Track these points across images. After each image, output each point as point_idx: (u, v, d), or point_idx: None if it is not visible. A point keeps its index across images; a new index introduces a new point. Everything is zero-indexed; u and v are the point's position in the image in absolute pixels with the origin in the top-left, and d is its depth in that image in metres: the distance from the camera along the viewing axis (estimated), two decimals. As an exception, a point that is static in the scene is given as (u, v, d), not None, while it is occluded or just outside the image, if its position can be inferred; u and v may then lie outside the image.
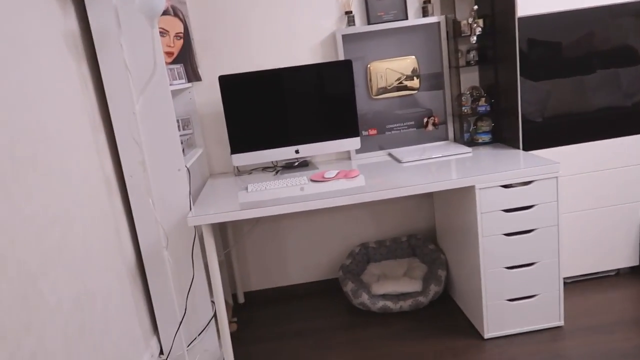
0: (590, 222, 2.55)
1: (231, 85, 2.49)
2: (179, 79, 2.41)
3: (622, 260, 2.62)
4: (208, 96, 2.70)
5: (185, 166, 2.13)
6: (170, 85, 2.22)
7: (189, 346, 2.28)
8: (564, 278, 2.66)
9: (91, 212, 1.80)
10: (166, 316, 2.25)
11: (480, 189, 2.09)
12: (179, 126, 2.64)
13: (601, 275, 2.69)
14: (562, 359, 2.06)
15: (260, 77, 2.50)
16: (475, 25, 2.49)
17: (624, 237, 2.58)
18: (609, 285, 2.58)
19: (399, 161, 2.54)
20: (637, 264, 2.64)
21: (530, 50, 2.33)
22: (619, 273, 2.69)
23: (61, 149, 1.64)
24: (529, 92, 2.38)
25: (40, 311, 1.37)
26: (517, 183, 2.12)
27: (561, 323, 2.28)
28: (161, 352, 2.31)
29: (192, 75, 2.57)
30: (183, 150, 2.35)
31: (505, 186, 2.11)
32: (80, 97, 1.86)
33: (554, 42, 2.33)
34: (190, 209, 2.14)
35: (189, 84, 2.56)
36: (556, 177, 2.11)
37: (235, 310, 2.89)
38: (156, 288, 2.21)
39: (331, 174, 2.38)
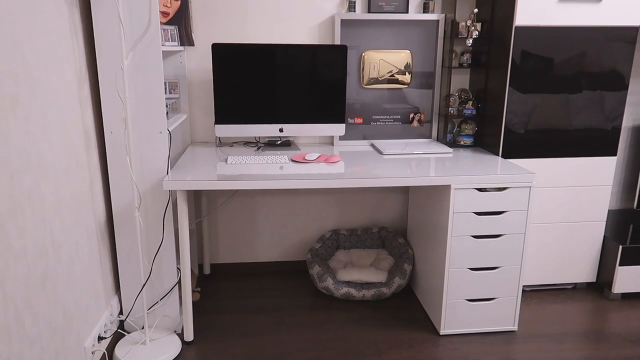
0: (555, 235, 2.63)
1: (224, 54, 2.47)
2: (172, 40, 2.37)
3: (580, 275, 2.72)
4: (199, 63, 2.66)
5: (167, 129, 2.11)
6: (162, 45, 2.18)
7: (150, 309, 2.28)
8: (524, 286, 2.75)
9: (67, 162, 1.77)
10: (130, 277, 2.24)
11: (455, 189, 2.13)
12: (165, 89, 2.60)
13: (559, 287, 2.78)
14: (512, 361, 2.14)
15: (254, 50, 2.48)
16: (473, 28, 2.51)
17: (585, 253, 2.67)
18: (565, 298, 2.68)
19: (380, 152, 2.56)
20: (594, 280, 2.73)
21: (523, 62, 2.37)
22: (576, 287, 2.79)
23: (43, 94, 1.60)
24: (516, 103, 2.42)
25: (4, 254, 1.35)
26: (492, 188, 2.17)
27: (515, 328, 2.36)
28: (121, 312, 2.31)
29: (186, 39, 2.53)
30: (167, 113, 2.32)
31: (480, 189, 2.16)
32: (69, 44, 1.81)
33: (546, 57, 2.38)
34: (167, 173, 2.12)
35: (181, 48, 2.52)
36: (530, 186, 2.17)
37: (200, 280, 2.89)
38: (123, 248, 2.20)
39: (312, 156, 2.39)
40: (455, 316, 2.31)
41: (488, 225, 2.20)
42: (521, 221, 2.21)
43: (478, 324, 2.33)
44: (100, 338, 2.05)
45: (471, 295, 2.29)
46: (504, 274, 2.27)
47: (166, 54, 2.55)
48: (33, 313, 1.50)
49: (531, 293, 2.73)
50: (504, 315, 2.33)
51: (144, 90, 2.03)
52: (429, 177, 2.11)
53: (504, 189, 2.17)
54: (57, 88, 1.71)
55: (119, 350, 2.15)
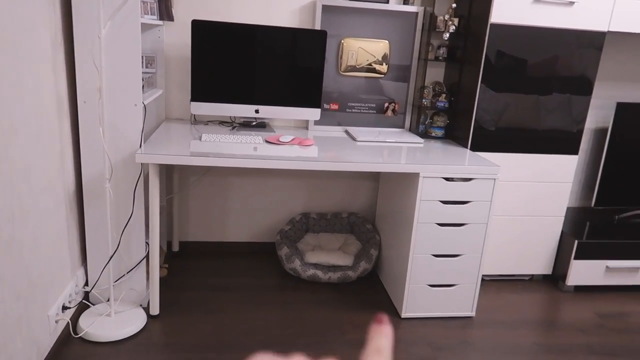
0: (516, 228, 2.74)
1: (203, 31, 2.46)
2: (151, 14, 2.35)
3: (537, 267, 2.84)
4: (177, 39, 2.64)
5: (143, 102, 2.10)
6: (141, 18, 2.17)
7: (116, 282, 2.28)
8: (484, 275, 2.85)
9: (37, 129, 1.75)
10: (97, 249, 2.23)
11: (424, 177, 2.20)
12: (142, 63, 2.58)
13: (517, 278, 2.90)
14: (468, 345, 2.23)
15: (234, 29, 2.48)
16: (450, 22, 2.57)
17: (543, 247, 2.79)
18: (522, 288, 2.80)
19: (354, 139, 2.61)
20: (550, 273, 2.86)
21: (496, 60, 2.44)
22: (532, 278, 2.91)
23: (16, 57, 1.58)
24: (486, 100, 2.50)
25: (-29, 215, 1.34)
26: (459, 178, 2.25)
27: (473, 314, 2.46)
28: (86, 284, 2.30)
29: (165, 13, 2.51)
30: (143, 87, 2.30)
31: (447, 179, 2.23)
32: (45, 9, 1.79)
33: (519, 57, 2.46)
34: (140, 146, 2.12)
35: (160, 22, 2.51)
36: (494, 178, 2.25)
37: (169, 257, 2.90)
38: (92, 219, 2.19)
39: (286, 138, 2.42)
40: (417, 300, 2.39)
41: (453, 214, 2.28)
42: (484, 212, 2.30)
43: (438, 309, 2.42)
44: (64, 308, 2.05)
45: (433, 281, 2.37)
46: (465, 262, 2.36)
47: (144, 27, 2.52)
48: (-2, 276, 1.49)
49: (490, 282, 2.84)
50: (462, 302, 2.43)
51: (120, 61, 2.02)
52: (400, 165, 2.17)
53: (470, 179, 2.25)
54: (31, 52, 1.69)
55: (83, 320, 2.15)
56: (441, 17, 2.59)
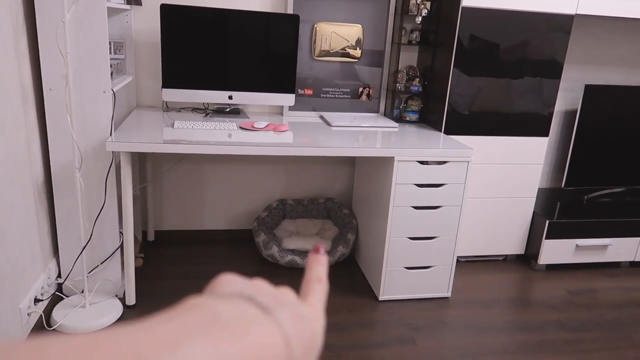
0: (490, 210, 2.78)
1: (173, 16, 2.40)
2: (118, -2, 2.29)
3: (510, 247, 2.90)
4: (146, 24, 2.58)
5: (112, 89, 2.05)
6: (108, 2, 2.10)
7: (90, 273, 2.24)
8: (459, 256, 2.90)
9: (1, 117, 1.69)
10: (69, 240, 2.19)
11: (399, 161, 2.21)
12: (110, 49, 2.51)
13: (491, 258, 2.96)
14: (443, 324, 2.28)
15: (204, 13, 2.43)
16: (422, 6, 2.57)
17: (515, 227, 2.85)
18: (496, 268, 2.86)
19: (328, 124, 2.60)
20: (522, 252, 2.93)
21: (468, 44, 2.46)
22: (506, 258, 2.98)
23: (-24, 43, 1.52)
24: (459, 84, 2.52)
25: None
26: (433, 161, 2.27)
27: (448, 295, 2.50)
28: (59, 275, 2.26)
29: (132, -3, 2.44)
30: (112, 74, 2.25)
31: (422, 162, 2.25)
32: (5, -8, 1.72)
33: (490, 40, 2.48)
34: (111, 134, 2.07)
35: (127, 6, 2.44)
36: (468, 161, 2.28)
37: (144, 247, 2.86)
38: (62, 210, 2.14)
39: (261, 124, 2.40)
40: (394, 283, 2.42)
41: (428, 196, 2.31)
42: (458, 194, 2.33)
43: (415, 291, 2.46)
44: (36, 300, 2.01)
45: (409, 264, 2.40)
46: (440, 244, 2.40)
47: (111, 12, 2.45)
48: (-36, 270, 1.45)
49: (465, 263, 2.89)
50: (438, 283, 2.47)
51: (86, 47, 1.96)
52: (375, 149, 2.17)
53: (444, 162, 2.27)
54: (-8, 38, 1.62)
55: (57, 312, 2.11)
56: (413, 1, 2.59)
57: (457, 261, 2.91)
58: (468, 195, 2.73)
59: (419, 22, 2.62)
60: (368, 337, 2.14)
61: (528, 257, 2.94)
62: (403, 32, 2.71)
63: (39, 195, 2.04)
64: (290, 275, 2.63)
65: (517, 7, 2.44)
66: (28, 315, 1.93)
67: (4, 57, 1.71)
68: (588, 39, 3.01)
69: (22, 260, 1.87)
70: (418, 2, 2.57)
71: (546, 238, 2.77)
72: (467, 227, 2.79)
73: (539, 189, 3.22)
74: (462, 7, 2.39)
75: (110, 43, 2.50)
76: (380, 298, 2.43)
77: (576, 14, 2.51)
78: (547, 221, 2.74)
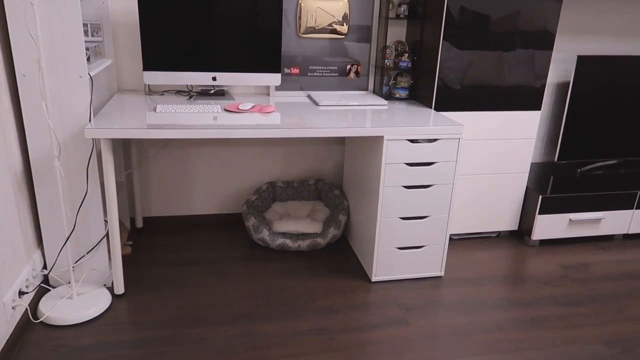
0: (482, 187, 2.75)
1: (150, -5, 2.31)
2: (92, -23, 2.19)
3: (504, 224, 2.88)
4: (124, 3, 2.48)
5: (89, 74, 1.97)
6: (80, -18, 2.01)
7: (76, 263, 2.20)
8: (451, 234, 2.88)
9: (-29, 106, 1.62)
10: (53, 230, 2.13)
11: (388, 140, 2.16)
12: (87, 31, 2.42)
13: (484, 235, 2.93)
14: (437, 303, 2.26)
15: (183, -8, 2.34)
16: (409, -22, 2.48)
17: (509, 203, 2.82)
18: (489, 245, 2.84)
19: (316, 104, 2.54)
20: (516, 228, 2.91)
21: (457, 16, 2.38)
22: (499, 235, 2.95)
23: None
24: (449, 58, 2.45)
25: None
26: (423, 140, 2.22)
27: (442, 274, 2.48)
28: (45, 267, 2.21)
29: (107, -24, 2.34)
30: (89, 58, 2.16)
31: (412, 141, 2.20)
32: (-33, -27, 1.63)
33: (479, 13, 2.40)
34: (90, 120, 2.00)
35: (103, -14, 2.34)
36: (459, 138, 2.23)
37: (133, 234, 2.81)
38: (44, 200, 2.08)
39: (246, 106, 2.33)
40: (386, 263, 2.39)
41: (419, 175, 2.26)
42: (450, 172, 2.28)
43: (407, 271, 2.43)
44: (21, 293, 1.96)
45: (402, 244, 2.37)
46: (432, 223, 2.36)
47: (86, -8, 2.35)
48: (-62, 266, 1.40)
49: (459, 241, 2.87)
50: (431, 262, 2.44)
51: (59, 30, 1.87)
52: (363, 128, 2.12)
53: (435, 140, 2.22)
54: (-45, 22, 1.54)
55: (43, 305, 2.07)
56: (401, -27, 2.50)
57: (450, 239, 2.88)
58: (460, 173, 2.69)
59: (406, -5, 2.53)
60: (361, 319, 2.12)
61: (522, 233, 2.92)
62: (390, 5, 2.62)
63: (18, 186, 1.98)
64: (281, 259, 2.60)
65: (507, -24, 2.36)
66: (13, 308, 1.88)
67: (-29, 42, 1.63)
68: (580, 8, 2.93)
69: (2, 253, 1.82)
70: (405, -26, 2.49)
71: (539, 213, 2.74)
72: (460, 204, 2.76)
73: (532, 164, 3.19)
74: (451, -22, 2.30)
75: (86, 25, 2.40)
76: (373, 279, 2.41)
77: (568, -17, 2.43)
78: (540, 196, 2.71)
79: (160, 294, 2.25)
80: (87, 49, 2.15)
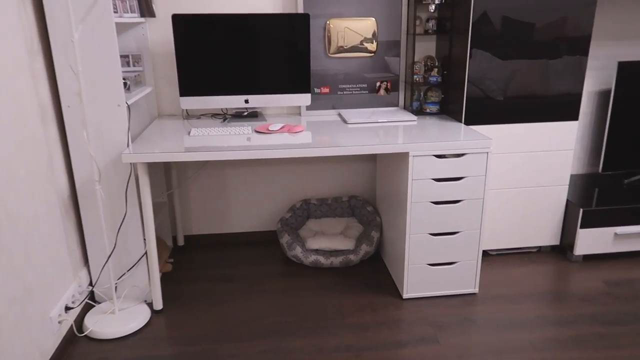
0: (519, 200, 2.67)
1: (184, 25, 2.45)
2: (131, 12, 2.35)
3: (544, 238, 2.78)
4: (162, 34, 2.64)
5: (126, 102, 2.11)
6: (120, 17, 2.17)
7: (118, 280, 2.32)
8: (489, 250, 2.81)
9: (17, 136, 1.78)
10: (97, 249, 2.27)
11: (413, 156, 2.16)
12: (128, 62, 2.59)
13: (524, 250, 2.84)
14: (469, 322, 2.21)
15: (215, 20, 2.46)
16: (435, -6, 2.49)
17: (548, 217, 2.72)
18: (529, 261, 2.74)
19: (345, 122, 2.58)
20: (557, 243, 2.80)
21: (483, 27, 2.36)
22: (540, 250, 2.85)
23: (-12, 69, 1.60)
24: (476, 69, 2.43)
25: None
26: (450, 154, 2.20)
27: (475, 290, 2.43)
28: (91, 283, 2.36)
29: (146, 10, 2.50)
30: (128, 86, 2.32)
31: (438, 156, 2.19)
32: (16, 17, 1.80)
33: (506, 22, 2.37)
34: (128, 146, 2.14)
35: (142, 19, 2.50)
36: (487, 152, 2.19)
37: (174, 252, 2.94)
38: (89, 221, 2.23)
39: (276, 126, 2.41)
40: (418, 280, 2.37)
41: (447, 191, 2.24)
42: (479, 187, 2.25)
43: (440, 288, 2.40)
44: (68, 308, 2.10)
45: (432, 260, 2.34)
46: (464, 239, 2.33)
47: (126, 26, 2.52)
48: (-13, 284, 1.54)
49: (496, 257, 2.79)
50: (464, 279, 2.40)
51: (98, 62, 2.02)
52: (387, 145, 2.13)
53: (462, 155, 2.20)
54: (3, 62, 1.70)
55: (88, 319, 2.21)
56: (426, -11, 2.51)
57: (487, 255, 2.81)
58: (494, 187, 2.63)
59: (432, 11, 2.54)
60: (390, 337, 2.11)
61: (564, 248, 2.80)
62: (418, 21, 2.64)
63: (65, 208, 2.13)
64: (314, 276, 2.63)
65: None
66: (59, 323, 2.02)
67: (20, 77, 1.80)
68: (618, 13, 2.82)
69: (49, 270, 1.96)
70: (430, -9, 2.50)
71: (581, 227, 2.63)
72: (496, 219, 2.69)
73: (574, 176, 3.07)
74: (475, -8, 2.29)
75: (128, 56, 2.57)
76: (405, 296, 2.39)
77: (600, -11, 2.36)
78: (581, 209, 2.60)
79: (196, 310, 2.34)
80: (127, 78, 2.31)
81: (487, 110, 2.50)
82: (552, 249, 2.86)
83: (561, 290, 2.45)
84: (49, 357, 1.93)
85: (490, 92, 2.47)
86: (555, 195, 2.69)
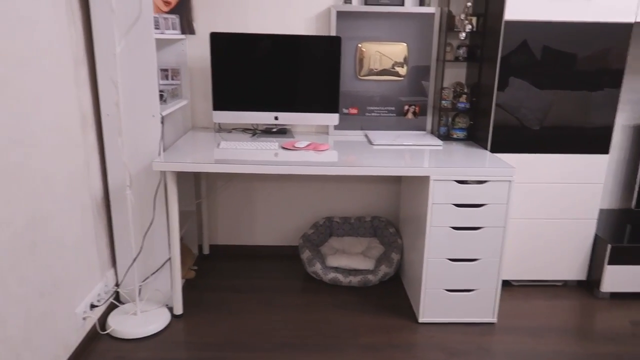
0: (546, 231, 2.63)
1: (221, 43, 2.56)
2: (173, 29, 2.48)
3: (571, 272, 2.71)
4: (200, 51, 2.77)
5: (160, 114, 2.22)
6: (162, 33, 2.30)
7: (142, 283, 2.42)
8: (511, 280, 2.76)
9: (59, 140, 1.90)
10: (124, 252, 2.38)
11: (434, 180, 2.17)
12: (167, 75, 2.73)
13: (548, 283, 2.78)
14: (483, 350, 2.18)
15: (251, 39, 2.57)
16: (467, 22, 2.52)
17: (575, 251, 2.66)
18: (553, 294, 2.68)
19: (371, 143, 2.62)
20: (584, 278, 2.72)
21: (514, 59, 2.37)
22: (566, 284, 2.78)
23: (35, 74, 1.73)
24: (506, 100, 2.43)
25: (-10, 221, 1.49)
26: (473, 181, 2.20)
27: (494, 320, 2.39)
28: (116, 284, 2.46)
29: (187, 27, 2.64)
30: (165, 99, 2.44)
31: (460, 182, 2.19)
32: (66, 29, 1.94)
33: (536, 53, 2.37)
34: (159, 154, 2.24)
35: (182, 36, 2.63)
36: (509, 180, 2.18)
37: (199, 260, 3.03)
38: (119, 224, 2.34)
39: (302, 144, 2.47)
40: (435, 305, 2.35)
41: (467, 217, 2.23)
42: (501, 215, 2.23)
43: (457, 314, 2.37)
44: (93, 306, 2.20)
45: (450, 286, 2.33)
46: (483, 266, 2.30)
47: (167, 42, 2.66)
48: (18, 276, 1.64)
49: (519, 288, 2.74)
50: (482, 307, 2.36)
51: (137, 75, 2.15)
52: (408, 168, 2.16)
53: (484, 182, 2.20)
54: (51, 69, 1.84)
55: (111, 319, 2.30)
56: (458, 17, 2.55)
57: (509, 285, 2.76)
58: (520, 215, 2.60)
59: (462, 38, 2.57)
60: (401, 360, 2.11)
61: (590, 284, 2.72)
62: (449, 48, 2.67)
63: (97, 210, 2.25)
64: (332, 293, 2.65)
65: (565, 18, 2.32)
66: (83, 319, 2.12)
67: (65, 86, 1.93)
68: (659, 48, 2.77)
69: (78, 268, 2.07)
70: (462, 18, 2.53)
71: (609, 263, 2.56)
72: (521, 248, 2.65)
73: (605, 210, 2.99)
74: (505, 21, 2.31)
75: (167, 70, 2.71)
76: (420, 320, 2.38)
77: (635, 22, 2.33)
78: (609, 245, 2.53)
79: (214, 318, 2.40)
80: (164, 91, 2.43)
81: (515, 138, 2.49)
82: (578, 284, 2.78)
83: (584, 327, 2.38)
84: (72, 351, 2.02)
85: (525, 121, 2.46)
86: (583, 229, 2.63)
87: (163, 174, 2.30)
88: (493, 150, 2.51)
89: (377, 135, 2.72)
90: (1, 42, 1.53)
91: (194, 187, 2.95)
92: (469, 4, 2.52)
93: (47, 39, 1.80)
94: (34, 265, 1.73)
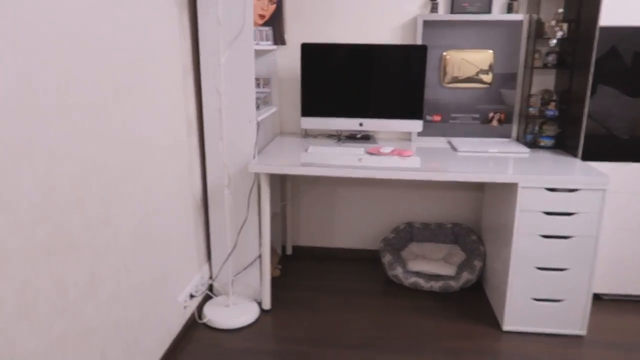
0: (640, 244, 2.52)
1: (311, 53, 2.70)
2: (266, 40, 2.66)
3: (668, 289, 2.57)
4: (289, 61, 2.93)
5: (256, 119, 2.38)
6: (257, 45, 2.47)
7: (235, 277, 2.59)
8: (602, 293, 2.66)
9: (170, 143, 2.11)
10: (219, 247, 2.56)
11: (522, 187, 2.16)
12: (259, 84, 2.91)
13: (643, 299, 2.65)
14: (572, 363, 2.13)
15: (339, 49, 2.68)
16: (557, 28, 2.49)
17: (674, 266, 2.52)
18: (648, 311, 2.55)
19: (455, 150, 2.64)
20: (684, 296, 2.57)
21: (609, 66, 2.31)
22: (662, 301, 2.64)
23: (153, 84, 1.94)
24: (602, 108, 2.37)
25: (119, 212, 1.69)
26: (563, 189, 2.17)
27: (583, 333, 2.32)
28: (210, 277, 2.65)
29: (279, 39, 2.81)
30: (258, 105, 2.61)
31: (550, 189, 2.17)
32: (178, 42, 2.15)
33: (632, 59, 2.29)
34: (254, 157, 2.40)
35: (274, 47, 2.80)
36: (603, 189, 2.13)
37: (283, 259, 3.18)
38: (215, 221, 2.53)
39: (386, 149, 2.54)
40: (520, 314, 2.33)
41: (557, 225, 2.20)
42: (593, 224, 2.18)
43: (543, 324, 2.33)
44: (191, 296, 2.39)
45: (538, 295, 2.30)
46: (572, 277, 2.25)
47: (261, 52, 2.84)
48: (138, 264, 1.84)
49: (610, 302, 2.63)
50: (571, 319, 2.31)
51: (237, 84, 2.33)
52: (495, 174, 2.16)
53: (575, 190, 2.16)
54: (165, 79, 2.05)
55: (207, 309, 2.48)
56: (548, 24, 2.52)
57: (599, 299, 2.66)
58: (615, 226, 2.51)
59: (552, 45, 2.53)
60: (485, 365, 2.11)
61: (691, 302, 2.57)
62: (537, 55, 2.64)
63: (197, 208, 2.45)
64: (412, 297, 2.69)
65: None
66: (184, 307, 2.31)
67: (175, 94, 2.14)
68: None
69: (180, 260, 2.27)
70: (553, 25, 2.50)
71: None
72: (614, 260, 2.55)
73: None
74: (600, 27, 2.26)
75: (259, 79, 2.89)
76: (504, 328, 2.36)
77: None
78: None
79: (299, 315, 2.52)
80: (257, 98, 2.60)
81: (608, 147, 2.41)
82: (677, 301, 2.63)
83: (683, 346, 2.26)
84: (174, 336, 2.22)
85: (615, 129, 2.39)
86: (683, 243, 2.49)
87: (257, 175, 2.46)
88: (584, 159, 2.44)
89: (462, 142, 2.73)
90: (127, 55, 1.74)
91: (280, 190, 3.11)
92: (560, 10, 2.48)
93: (163, 52, 2.01)
94: (148, 254, 1.93)
